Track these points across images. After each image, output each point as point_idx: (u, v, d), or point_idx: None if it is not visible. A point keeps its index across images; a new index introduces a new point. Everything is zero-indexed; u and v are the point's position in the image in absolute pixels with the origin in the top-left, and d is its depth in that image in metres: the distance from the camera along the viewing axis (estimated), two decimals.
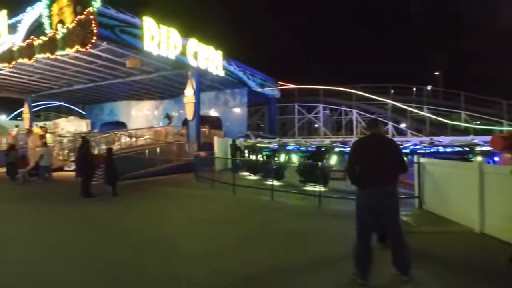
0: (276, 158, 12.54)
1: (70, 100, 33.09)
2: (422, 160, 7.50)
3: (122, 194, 10.40)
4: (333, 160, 10.71)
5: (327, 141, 20.97)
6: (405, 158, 4.34)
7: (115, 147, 18.01)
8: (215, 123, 25.43)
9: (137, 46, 14.48)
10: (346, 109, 31.90)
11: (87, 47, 12.93)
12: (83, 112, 38.86)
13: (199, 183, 13.14)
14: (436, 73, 34.82)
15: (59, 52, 13.83)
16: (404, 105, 27.27)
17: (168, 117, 28.06)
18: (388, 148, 3.98)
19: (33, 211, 8.50)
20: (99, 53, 16.23)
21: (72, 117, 30.29)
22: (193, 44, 17.57)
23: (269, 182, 10.91)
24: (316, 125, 35.43)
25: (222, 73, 20.02)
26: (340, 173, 8.29)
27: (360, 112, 31.27)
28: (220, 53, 19.76)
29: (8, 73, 20.05)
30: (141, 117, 29.35)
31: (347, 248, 4.09)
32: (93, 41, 12.64)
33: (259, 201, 9.17)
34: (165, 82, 22.64)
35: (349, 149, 11.59)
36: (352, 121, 31.61)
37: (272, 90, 28.28)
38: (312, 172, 10.03)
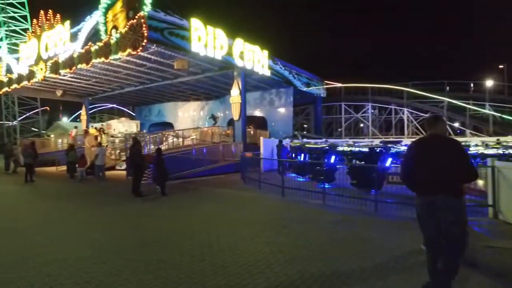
0: (326, 160, 12.02)
1: (122, 102, 34.76)
2: (498, 163, 6.66)
3: (171, 194, 10.51)
4: (390, 162, 10.00)
5: (376, 141, 20.01)
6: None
7: (163, 147, 18.49)
8: (260, 123, 25.32)
9: (185, 47, 14.68)
10: (396, 107, 30.31)
11: (138, 50, 13.30)
12: (133, 114, 40.73)
13: (246, 184, 12.99)
14: (500, 66, 31.92)
15: (112, 56, 14.38)
16: (463, 102, 25.26)
17: (213, 117, 28.43)
18: (449, 151, 3.40)
19: (87, 209, 8.78)
20: (149, 56, 16.73)
21: (123, 118, 31.80)
22: (239, 44, 17.52)
23: (319, 184, 10.50)
24: (361, 125, 34.12)
25: (267, 73, 19.80)
26: (399, 177, 7.65)
27: (412, 111, 29.56)
28: (265, 53, 19.56)
29: (69, 79, 21.40)
30: (187, 118, 30.02)
31: (412, 259, 3.60)
32: (143, 44, 12.97)
33: (310, 205, 8.77)
34: (211, 83, 22.92)
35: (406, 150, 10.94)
36: (403, 121, 29.97)
37: (318, 89, 27.59)
38: (365, 175, 9.43)
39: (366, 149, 11.34)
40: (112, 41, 14.17)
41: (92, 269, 4.47)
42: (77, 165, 14.85)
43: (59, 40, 17.51)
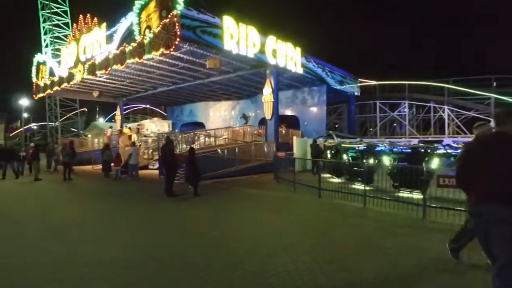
0: (364, 160, 11.40)
1: (154, 102, 35.42)
2: None
3: (204, 195, 10.33)
4: (436, 163, 9.26)
5: (414, 141, 18.96)
6: None
7: (195, 146, 18.48)
8: (292, 123, 24.80)
9: (217, 45, 14.51)
10: (436, 105, 28.71)
11: (171, 49, 13.27)
12: (165, 114, 41.46)
13: (280, 184, 12.61)
14: None
15: (146, 56, 14.50)
16: None
17: (245, 117, 28.19)
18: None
19: (120, 209, 8.76)
20: (181, 56, 16.76)
21: (155, 118, 32.43)
22: (272, 41, 17.15)
23: (357, 186, 9.93)
24: (394, 124, 32.68)
25: (300, 71, 19.29)
26: (451, 179, 6.95)
27: (453, 109, 27.90)
28: (298, 50, 19.06)
29: (105, 80, 21.97)
30: (218, 117, 30.04)
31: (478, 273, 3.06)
32: (176, 43, 12.92)
33: (349, 208, 8.25)
34: (243, 82, 22.72)
35: (458, 150, 10.09)
36: (443, 119, 28.35)
37: (352, 87, 26.67)
38: (409, 177, 8.76)
39: (408, 149, 10.62)
40: (145, 41, 14.26)
41: (126, 274, 4.27)
42: (112, 164, 15.11)
43: (96, 42, 17.95)
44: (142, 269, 4.41)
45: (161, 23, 13.52)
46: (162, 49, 13.44)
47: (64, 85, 21.32)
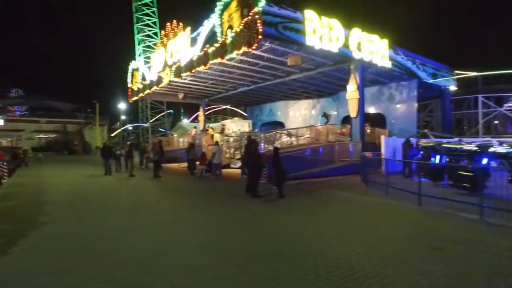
0: (472, 162, 9.76)
1: (235, 102, 36.23)
2: None
3: (289, 196, 9.85)
4: None
5: None
6: None
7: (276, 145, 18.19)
8: (377, 121, 23.00)
9: (300, 41, 13.93)
10: None
11: (253, 47, 13.09)
12: (245, 114, 42.28)
13: (369, 188, 11.52)
14: None
15: (228, 56, 14.57)
16: None
17: (326, 115, 27.14)
18: None
19: (206, 209, 8.71)
20: (262, 54, 16.55)
21: (236, 118, 33.11)
22: (356, 34, 15.97)
23: (464, 193, 8.48)
24: (496, 122, 28.25)
25: (388, 64, 17.68)
26: None
27: None
28: (385, 42, 17.48)
29: (189, 81, 23.00)
30: (298, 116, 29.43)
31: None
32: (258, 40, 12.68)
33: (461, 220, 6.97)
34: (324, 79, 21.79)
35: None
36: None
37: (447, 81, 23.76)
38: None
39: None
40: (227, 41, 14.34)
41: (214, 284, 3.95)
42: (197, 162, 15.57)
43: (181, 46, 18.77)
44: (232, 280, 4.05)
45: (243, 21, 13.42)
46: (244, 48, 13.34)
47: (154, 88, 22.84)
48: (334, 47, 14.92)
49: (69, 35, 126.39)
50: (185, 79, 21.39)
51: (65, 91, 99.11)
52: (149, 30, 58.68)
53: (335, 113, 26.42)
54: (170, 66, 19.83)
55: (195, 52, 17.09)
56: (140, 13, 58.68)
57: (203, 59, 16.26)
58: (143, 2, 58.44)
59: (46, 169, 20.83)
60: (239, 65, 18.51)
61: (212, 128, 27.56)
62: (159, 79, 21.64)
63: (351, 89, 16.99)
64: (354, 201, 9.46)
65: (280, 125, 30.32)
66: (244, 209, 8.56)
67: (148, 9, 58.92)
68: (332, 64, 17.95)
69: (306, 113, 29.25)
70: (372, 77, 20.21)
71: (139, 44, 58.69)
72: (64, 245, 5.48)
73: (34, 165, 23.78)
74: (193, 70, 17.40)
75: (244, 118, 35.87)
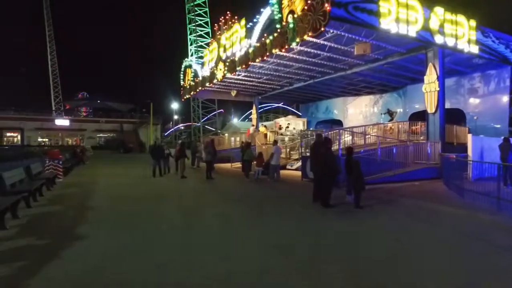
0: None
1: (289, 99, 34.59)
2: None
3: (368, 208, 8.09)
4: None
5: None
6: None
7: (336, 146, 16.33)
8: (454, 117, 20.06)
9: (373, 24, 11.95)
10: None
11: (319, 32, 11.43)
12: (297, 112, 40.51)
13: (465, 199, 9.30)
14: None
15: (289, 44, 13.08)
16: None
17: (390, 113, 24.62)
18: None
19: (270, 221, 7.21)
20: (324, 43, 14.84)
21: (290, 116, 31.51)
22: (439, 14, 13.57)
23: None
24: None
25: (474, 50, 14.95)
26: None
27: None
28: (472, 23, 14.79)
29: (243, 78, 21.93)
30: (358, 114, 27.07)
31: None
32: (325, 23, 11.00)
33: None
34: (391, 71, 19.44)
35: None
36: None
37: None
38: None
39: None
40: (288, 28, 12.82)
41: None
42: (254, 162, 14.21)
43: (235, 38, 17.62)
44: None
45: (306, 4, 11.82)
46: (308, 34, 11.73)
47: (207, 84, 22.05)
48: (412, 31, 12.72)
49: (123, 37, 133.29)
50: (239, 74, 20.33)
51: (122, 92, 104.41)
52: (201, 30, 59.41)
53: (401, 110, 23.76)
54: (224, 61, 18.80)
55: (251, 44, 15.81)
56: (193, 14, 59.48)
57: (260, 51, 14.92)
58: (196, 2, 59.15)
59: (100, 168, 20.86)
60: (297, 57, 16.93)
61: (265, 126, 26.24)
62: (212, 75, 20.75)
63: (429, 80, 14.60)
64: (454, 217, 7.39)
65: (337, 123, 28.22)
66: (318, 223, 6.96)
67: (200, 10, 59.56)
68: (404, 53, 15.71)
69: (367, 110, 26.80)
70: (449, 66, 17.46)
71: (191, 45, 59.61)
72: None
73: (91, 163, 24.17)
74: (249, 63, 16.13)
75: (298, 116, 34.12)
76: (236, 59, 17.26)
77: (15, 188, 8.45)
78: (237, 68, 17.38)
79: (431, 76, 14.55)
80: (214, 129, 60.55)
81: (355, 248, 5.27)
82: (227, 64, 18.27)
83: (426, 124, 15.18)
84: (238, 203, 9.35)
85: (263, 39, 14.73)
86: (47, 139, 57.04)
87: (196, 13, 59.57)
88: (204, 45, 54.37)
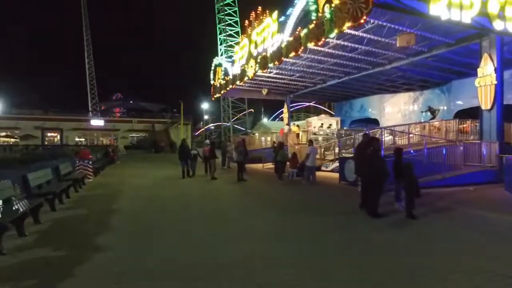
0: None
1: (321, 98, 33.42)
2: None
3: (422, 218, 7.03)
4: None
5: None
6: None
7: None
8: (509, 114, 18.17)
9: (421, 10, 10.74)
10: None
11: (360, 21, 10.39)
12: (328, 111, 39.15)
13: None
14: None
15: (326, 36, 12.10)
16: None
17: (431, 110, 22.92)
18: None
19: (309, 233, 6.36)
20: (364, 35, 13.78)
21: (323, 115, 30.37)
22: None
23: None
24: None
25: None
26: None
27: None
28: None
29: (275, 75, 21.14)
30: (396, 112, 25.47)
31: None
32: (368, 11, 9.96)
33: None
34: (435, 65, 17.98)
35: None
36: None
37: None
38: None
39: None
40: (325, 19, 11.86)
41: None
42: (287, 163, 13.32)
43: (267, 33, 16.84)
44: None
45: None
46: (347, 24, 10.72)
47: (237, 83, 21.44)
48: (466, 17, 11.33)
49: (154, 37, 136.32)
50: (270, 71, 19.57)
51: (153, 92, 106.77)
52: (231, 30, 59.21)
53: (444, 107, 22.00)
54: (255, 58, 18.07)
55: (284, 38, 14.97)
56: (222, 13, 59.41)
57: (294, 45, 14.04)
58: (225, 2, 59.03)
59: (131, 168, 20.80)
60: (333, 51, 15.92)
61: (298, 126, 25.29)
62: (243, 73, 20.09)
63: (484, 73, 13.08)
64: None
65: (373, 122, 26.76)
66: (367, 237, 6.03)
67: (230, 9, 59.38)
68: (453, 44, 14.28)
69: (406, 108, 25.16)
70: (506, 57, 15.69)
71: (221, 44, 59.59)
72: None
73: (122, 163, 24.28)
74: (282, 59, 15.29)
75: (331, 115, 32.85)
76: (268, 55, 16.47)
77: (41, 189, 8.13)
78: (269, 65, 16.58)
79: (486, 68, 13.03)
80: (244, 129, 60.14)
81: (418, 272, 4.31)
82: (259, 60, 17.51)
83: (480, 122, 13.66)
84: (273, 210, 8.51)
85: (297, 32, 13.83)
86: (83, 139, 58.98)
87: (225, 12, 59.43)
88: (234, 45, 54.13)
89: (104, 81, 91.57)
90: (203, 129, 70.60)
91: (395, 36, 13.45)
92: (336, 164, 17.56)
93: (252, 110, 63.63)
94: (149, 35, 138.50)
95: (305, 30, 13.14)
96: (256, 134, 35.04)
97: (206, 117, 68.49)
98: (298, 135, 23.32)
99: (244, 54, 19.88)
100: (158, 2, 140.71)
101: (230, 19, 59.74)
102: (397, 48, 14.00)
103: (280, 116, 47.30)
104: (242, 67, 20.06)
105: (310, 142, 13.61)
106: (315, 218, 7.41)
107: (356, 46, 15.08)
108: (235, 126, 61.42)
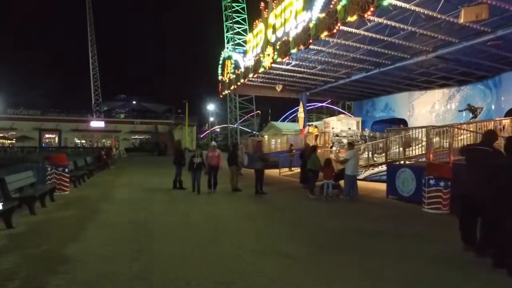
0: None
1: (339, 96, 30.37)
2: None
3: None
4: None
5: None
6: None
7: (417, 150, 12.26)
8: None
9: None
10: None
11: None
12: (344, 112, 36.17)
13: None
14: None
15: (376, 6, 9.22)
16: None
17: (471, 109, 19.94)
18: None
19: None
20: (414, 9, 10.86)
21: (342, 116, 27.55)
22: None
23: None
24: None
25: None
26: None
27: None
28: None
29: (292, 68, 18.39)
30: (427, 112, 22.35)
31: None
32: None
33: None
34: (488, 53, 14.80)
35: None
36: None
37: None
38: None
39: None
40: None
41: None
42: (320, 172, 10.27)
43: (289, 14, 14.00)
44: None
45: None
46: None
47: (250, 76, 18.63)
48: None
49: (159, 36, 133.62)
50: (289, 63, 16.73)
51: (158, 92, 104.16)
52: (239, 28, 56.68)
53: (493, 106, 18.85)
54: (273, 44, 15.22)
55: (313, 17, 12.10)
56: (230, 10, 56.90)
57: (328, 23, 11.13)
58: None
59: (126, 175, 17.89)
60: (368, 34, 12.95)
61: (316, 126, 22.42)
62: (257, 64, 17.27)
63: None
64: None
65: (399, 123, 23.71)
66: None
67: (237, 6, 56.84)
68: None
69: (439, 107, 22.05)
70: None
71: (228, 42, 57.05)
72: None
73: (117, 168, 21.34)
74: (309, 42, 12.39)
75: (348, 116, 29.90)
76: (290, 39, 13.60)
77: None
78: (292, 50, 13.67)
79: None
80: (250, 131, 57.33)
81: None
82: (278, 47, 14.65)
83: None
84: (319, 251, 5.50)
85: (331, 5, 10.95)
86: (84, 141, 56.53)
87: (233, 9, 56.85)
88: (242, 43, 51.54)
89: (108, 81, 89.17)
90: (208, 131, 67.96)
91: (455, 11, 10.62)
92: (370, 171, 14.69)
93: (259, 112, 60.91)
94: (155, 35, 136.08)
95: (343, 1, 10.22)
96: (266, 136, 32.26)
97: (211, 119, 65.88)
98: (316, 136, 20.46)
99: (259, 41, 17.10)
100: (162, 1, 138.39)
101: (238, 16, 57.19)
102: (451, 28, 11.09)
103: (292, 116, 44.46)
104: (257, 57, 17.25)
105: (350, 145, 10.53)
106: (385, 260, 4.46)
107: (401, 26, 12.13)
108: (241, 128, 58.58)
